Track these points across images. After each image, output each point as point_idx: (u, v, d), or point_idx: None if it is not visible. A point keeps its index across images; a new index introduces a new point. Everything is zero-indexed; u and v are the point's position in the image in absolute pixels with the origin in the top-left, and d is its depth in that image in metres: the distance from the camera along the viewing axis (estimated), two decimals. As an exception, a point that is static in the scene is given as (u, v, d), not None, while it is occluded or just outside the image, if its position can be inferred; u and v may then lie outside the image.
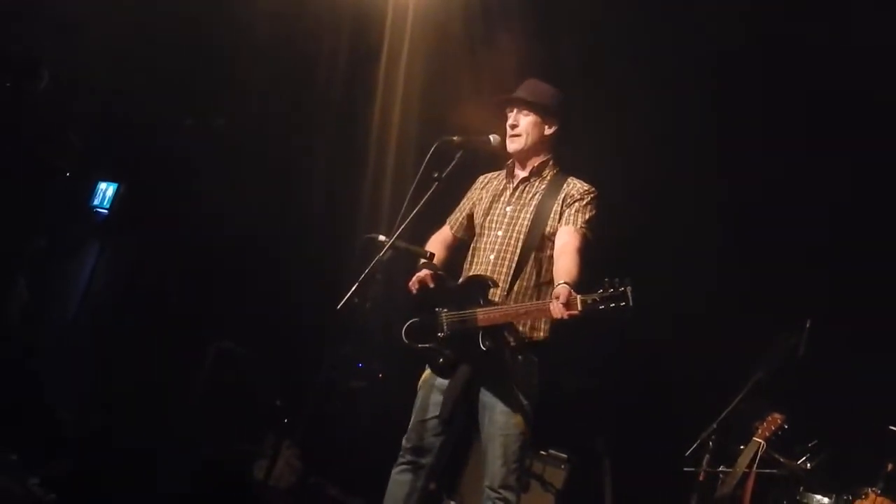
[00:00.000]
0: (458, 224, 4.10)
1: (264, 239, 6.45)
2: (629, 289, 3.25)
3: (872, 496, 4.40)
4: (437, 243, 4.09)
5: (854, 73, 5.02)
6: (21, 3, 5.82)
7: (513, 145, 3.86)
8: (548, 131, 3.87)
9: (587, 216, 3.76)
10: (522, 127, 3.84)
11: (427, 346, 3.78)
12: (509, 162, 3.97)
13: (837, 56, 4.97)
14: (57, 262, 6.39)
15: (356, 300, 3.57)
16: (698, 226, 5.50)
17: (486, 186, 4.05)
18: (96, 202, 6.80)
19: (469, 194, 4.11)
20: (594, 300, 3.29)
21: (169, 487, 4.32)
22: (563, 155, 3.95)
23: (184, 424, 5.16)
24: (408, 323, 3.81)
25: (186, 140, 6.59)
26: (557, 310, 3.38)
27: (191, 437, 5.10)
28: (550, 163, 3.90)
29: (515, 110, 3.85)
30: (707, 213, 5.62)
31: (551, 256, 3.75)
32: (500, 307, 3.65)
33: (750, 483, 4.57)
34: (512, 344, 3.70)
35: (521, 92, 3.87)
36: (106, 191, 6.76)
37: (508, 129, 3.85)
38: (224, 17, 5.99)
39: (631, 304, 3.24)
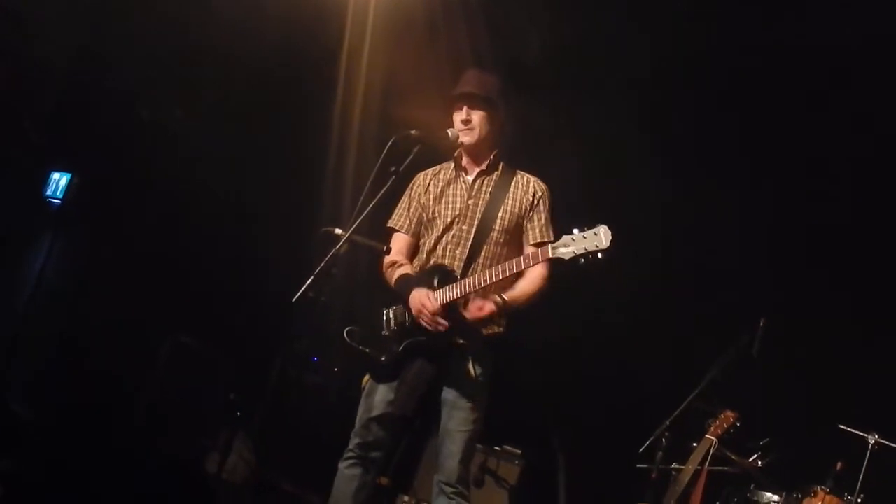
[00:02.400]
0: (411, 227, 4.04)
1: (221, 232, 6.40)
2: (603, 230, 3.30)
3: (822, 494, 4.43)
4: (404, 250, 4.04)
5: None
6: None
7: (467, 138, 3.86)
8: (496, 123, 3.92)
9: (551, 223, 3.88)
10: (475, 121, 3.85)
11: (367, 349, 3.81)
12: (456, 155, 3.99)
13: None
14: (10, 253, 6.28)
15: (312, 294, 3.55)
16: (647, 225, 5.48)
17: (429, 184, 4.03)
18: (49, 192, 6.68)
19: (410, 194, 4.07)
20: (571, 253, 3.34)
21: (123, 482, 4.27)
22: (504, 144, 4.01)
23: (138, 418, 5.09)
24: (348, 328, 3.85)
25: (142, 132, 6.50)
26: (476, 309, 3.58)
27: (145, 430, 5.04)
28: (497, 154, 3.95)
29: (466, 107, 3.85)
30: (657, 209, 5.65)
31: (508, 245, 3.82)
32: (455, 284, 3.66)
33: (702, 480, 4.57)
34: (468, 337, 3.71)
35: (469, 87, 3.88)
36: (59, 181, 6.65)
37: (461, 123, 3.85)
38: (183, 10, 5.91)
39: (606, 246, 3.29)
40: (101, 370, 5.65)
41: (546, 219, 3.89)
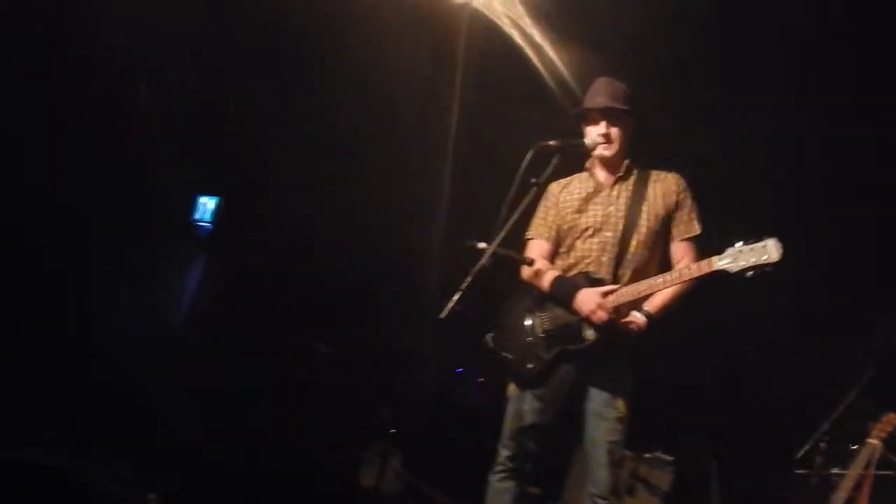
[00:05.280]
0: (550, 235, 4.03)
1: (362, 250, 6.55)
2: (772, 242, 3.25)
3: None
4: (546, 258, 4.02)
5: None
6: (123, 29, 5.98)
7: (607, 151, 3.86)
8: (630, 131, 3.90)
9: (696, 215, 3.85)
10: (614, 135, 3.85)
11: (512, 355, 3.83)
12: (588, 165, 3.99)
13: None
14: (162, 277, 6.57)
15: (459, 308, 3.59)
16: (804, 217, 5.31)
17: (564, 193, 4.02)
18: (198, 216, 6.99)
19: (546, 205, 4.06)
20: (738, 267, 3.31)
21: (276, 495, 4.40)
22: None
23: (289, 432, 5.23)
24: (491, 334, 3.91)
25: (278, 152, 6.69)
26: (629, 322, 3.63)
27: (296, 444, 5.18)
28: (630, 160, 3.93)
29: (605, 121, 3.84)
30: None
31: (653, 248, 3.80)
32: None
33: (866, 487, 4.39)
34: (614, 343, 3.68)
35: (605, 100, 3.85)
36: (207, 204, 6.95)
37: (599, 137, 3.83)
38: (312, 26, 6.07)
39: (776, 259, 3.23)
40: (252, 388, 5.83)
41: (691, 212, 3.85)
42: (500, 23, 5.85)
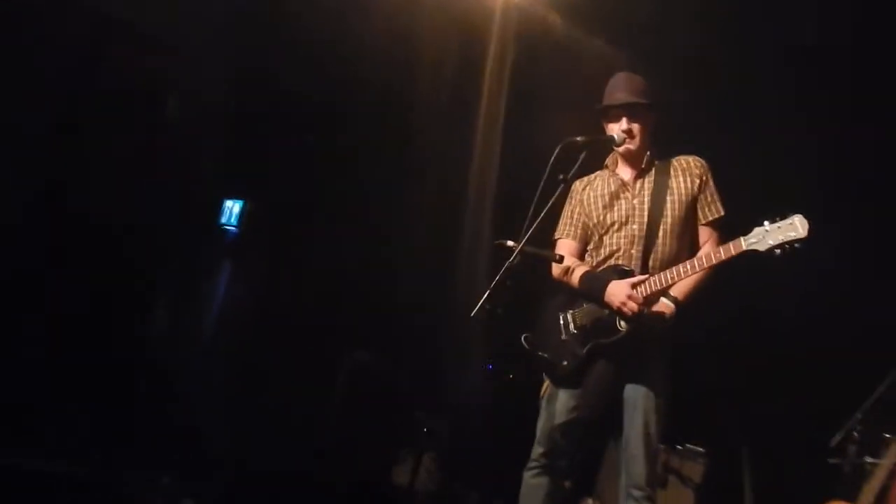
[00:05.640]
0: (577, 233, 4.09)
1: (388, 251, 6.59)
2: (798, 219, 3.30)
3: None
4: (575, 255, 4.09)
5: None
6: (145, 34, 6.06)
7: (630, 147, 3.90)
8: (651, 125, 3.94)
9: (719, 196, 3.89)
10: (636, 130, 3.89)
11: (546, 354, 3.89)
12: (609, 161, 4.05)
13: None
14: (193, 284, 6.63)
15: (488, 307, 3.62)
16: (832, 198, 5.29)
17: (588, 190, 4.07)
18: (224, 220, 7.03)
19: (572, 203, 4.12)
20: (767, 244, 3.34)
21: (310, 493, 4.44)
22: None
23: (323, 437, 5.28)
24: (525, 335, 3.96)
25: (307, 155, 6.74)
26: (666, 309, 3.69)
27: (331, 448, 5.23)
28: (651, 152, 3.96)
29: (626, 117, 3.87)
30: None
31: (681, 235, 3.85)
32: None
33: None
34: (648, 335, 3.72)
35: (625, 95, 3.89)
36: (232, 208, 6.98)
37: (622, 133, 3.87)
38: (336, 33, 6.09)
39: (804, 235, 3.28)
40: (284, 395, 5.88)
41: (714, 194, 3.89)
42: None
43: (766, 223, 3.39)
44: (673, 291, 3.72)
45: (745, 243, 3.44)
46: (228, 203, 7.02)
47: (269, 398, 5.67)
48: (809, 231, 3.29)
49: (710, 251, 3.63)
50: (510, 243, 3.64)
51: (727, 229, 3.84)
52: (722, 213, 3.87)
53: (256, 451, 4.92)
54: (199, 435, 5.19)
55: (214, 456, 4.89)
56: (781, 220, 3.35)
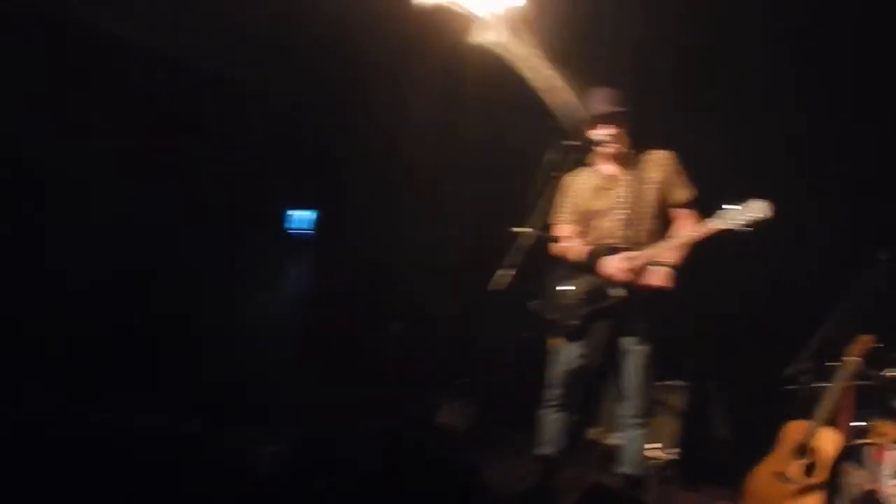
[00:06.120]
0: (570, 219, 4.73)
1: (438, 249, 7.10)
2: (759, 203, 3.98)
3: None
4: (571, 236, 4.81)
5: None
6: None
7: (610, 150, 4.63)
8: (630, 129, 4.66)
9: (688, 183, 4.54)
10: (618, 136, 4.57)
11: (556, 316, 4.62)
12: (592, 159, 4.69)
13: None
14: (261, 291, 6.97)
15: (507, 280, 4.41)
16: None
17: (577, 183, 4.70)
18: (293, 226, 7.47)
19: (562, 195, 4.72)
20: (738, 224, 4.02)
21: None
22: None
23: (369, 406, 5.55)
24: (533, 302, 4.66)
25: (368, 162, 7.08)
26: (651, 278, 4.33)
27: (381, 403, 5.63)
28: (630, 151, 4.62)
29: (609, 125, 4.53)
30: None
31: (659, 217, 4.55)
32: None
33: (848, 397, 4.84)
34: (640, 296, 4.42)
35: (607, 105, 4.53)
36: (302, 217, 7.41)
37: (606, 137, 4.54)
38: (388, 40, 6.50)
39: (767, 214, 3.98)
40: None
41: (683, 178, 4.56)
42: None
43: (734, 206, 4.07)
44: (655, 263, 4.39)
45: (711, 224, 4.20)
46: (296, 213, 7.43)
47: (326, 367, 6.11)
48: (770, 211, 3.97)
49: (685, 228, 4.42)
50: (525, 229, 4.43)
51: (702, 210, 4.45)
52: (693, 196, 4.52)
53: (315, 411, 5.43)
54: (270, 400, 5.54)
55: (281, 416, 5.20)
56: (745, 203, 4.03)
